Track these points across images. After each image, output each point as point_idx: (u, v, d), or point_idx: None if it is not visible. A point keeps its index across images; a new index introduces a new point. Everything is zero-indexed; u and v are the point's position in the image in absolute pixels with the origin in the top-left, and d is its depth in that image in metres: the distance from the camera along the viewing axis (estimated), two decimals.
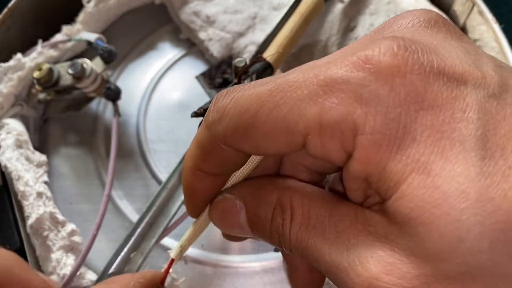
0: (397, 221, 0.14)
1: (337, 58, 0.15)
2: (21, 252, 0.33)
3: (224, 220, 0.20)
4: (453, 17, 0.42)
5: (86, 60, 0.37)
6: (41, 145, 0.41)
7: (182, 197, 0.31)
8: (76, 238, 0.32)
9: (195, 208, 0.21)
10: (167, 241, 0.35)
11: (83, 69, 0.36)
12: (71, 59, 0.41)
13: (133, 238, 0.30)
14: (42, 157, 0.36)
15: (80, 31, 0.42)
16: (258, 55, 0.34)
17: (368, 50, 0.15)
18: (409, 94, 0.14)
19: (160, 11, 0.46)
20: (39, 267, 0.32)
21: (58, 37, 0.41)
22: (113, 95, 0.37)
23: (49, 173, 0.37)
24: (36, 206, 0.33)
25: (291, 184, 0.19)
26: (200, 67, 0.44)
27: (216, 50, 0.42)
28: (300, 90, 0.15)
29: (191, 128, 0.40)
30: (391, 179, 0.14)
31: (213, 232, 0.35)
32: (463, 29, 0.41)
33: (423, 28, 0.17)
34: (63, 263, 0.31)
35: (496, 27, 0.37)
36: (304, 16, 0.36)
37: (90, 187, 0.39)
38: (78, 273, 0.31)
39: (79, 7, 0.43)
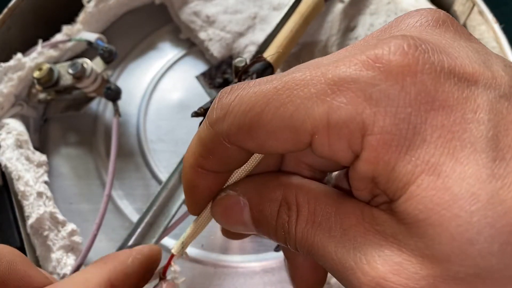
0: (405, 222, 0.14)
1: (345, 57, 0.15)
2: (21, 252, 0.33)
3: (227, 217, 0.20)
4: (453, 17, 0.42)
5: (86, 60, 0.37)
6: (41, 145, 0.41)
7: (182, 197, 0.31)
8: (76, 238, 0.32)
9: (196, 206, 0.21)
10: (167, 241, 0.35)
11: (83, 69, 0.36)
12: (71, 59, 0.41)
13: (133, 238, 0.30)
14: (42, 157, 0.36)
15: (80, 31, 0.42)
16: (258, 55, 0.34)
17: (377, 49, 0.15)
18: (419, 94, 0.14)
19: (160, 11, 0.46)
20: (39, 267, 0.32)
21: (58, 37, 0.41)
22: (113, 95, 0.37)
23: (49, 173, 0.37)
24: (36, 206, 0.33)
25: (296, 180, 0.18)
26: (200, 67, 0.44)
27: (216, 50, 0.42)
28: (307, 88, 0.15)
29: (191, 128, 0.40)
30: (400, 180, 0.14)
31: (213, 232, 0.35)
32: None
33: (431, 28, 0.16)
34: (63, 263, 0.31)
35: (496, 27, 0.37)
36: (304, 16, 0.36)
37: (90, 187, 0.39)
38: None
39: (79, 7, 0.43)
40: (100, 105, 0.42)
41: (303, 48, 0.42)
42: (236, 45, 0.42)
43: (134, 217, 0.37)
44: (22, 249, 0.33)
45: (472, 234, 0.13)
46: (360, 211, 0.16)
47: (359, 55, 0.15)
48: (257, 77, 0.32)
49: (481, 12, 0.38)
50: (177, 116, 0.41)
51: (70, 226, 0.33)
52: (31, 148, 0.37)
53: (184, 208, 0.26)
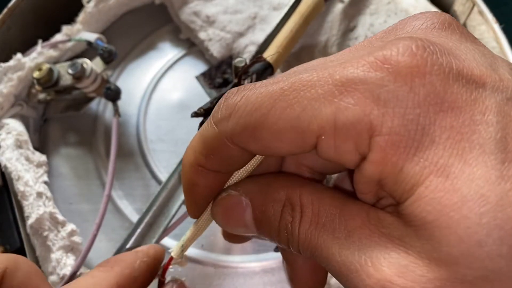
0: (412, 224, 0.14)
1: (352, 58, 0.15)
2: (21, 252, 0.33)
3: (228, 218, 0.19)
4: (458, 20, 0.42)
5: (86, 60, 0.37)
6: (41, 145, 0.41)
7: (182, 197, 0.31)
8: (76, 238, 0.32)
9: (195, 206, 0.20)
10: (167, 241, 0.35)
11: (83, 69, 0.36)
12: (71, 59, 0.41)
13: (133, 238, 0.30)
14: (42, 157, 0.36)
15: (80, 31, 0.42)
16: (258, 55, 0.34)
17: (385, 50, 0.15)
18: (428, 95, 0.14)
19: (160, 11, 0.46)
20: (39, 267, 0.32)
21: (58, 37, 0.41)
22: (113, 95, 0.37)
23: (49, 173, 0.37)
24: (36, 206, 0.33)
25: (299, 181, 0.18)
26: (200, 67, 0.44)
27: (216, 50, 0.42)
28: (314, 89, 0.15)
29: (191, 128, 0.40)
30: (408, 182, 0.14)
31: (214, 232, 0.35)
32: None
33: (437, 30, 0.16)
34: (63, 263, 0.31)
35: (496, 27, 0.37)
36: (304, 16, 0.36)
37: (90, 187, 0.39)
38: (78, 273, 0.31)
39: (79, 7, 0.43)
40: (100, 105, 0.42)
41: (303, 48, 0.42)
42: (236, 45, 0.42)
43: (134, 217, 0.37)
44: (22, 249, 0.33)
45: (481, 236, 0.13)
46: (365, 213, 0.16)
47: (367, 56, 0.15)
48: (257, 77, 0.32)
49: (481, 12, 0.38)
50: (177, 116, 0.41)
51: (70, 226, 0.33)
52: (31, 148, 0.37)
53: (184, 208, 0.26)
